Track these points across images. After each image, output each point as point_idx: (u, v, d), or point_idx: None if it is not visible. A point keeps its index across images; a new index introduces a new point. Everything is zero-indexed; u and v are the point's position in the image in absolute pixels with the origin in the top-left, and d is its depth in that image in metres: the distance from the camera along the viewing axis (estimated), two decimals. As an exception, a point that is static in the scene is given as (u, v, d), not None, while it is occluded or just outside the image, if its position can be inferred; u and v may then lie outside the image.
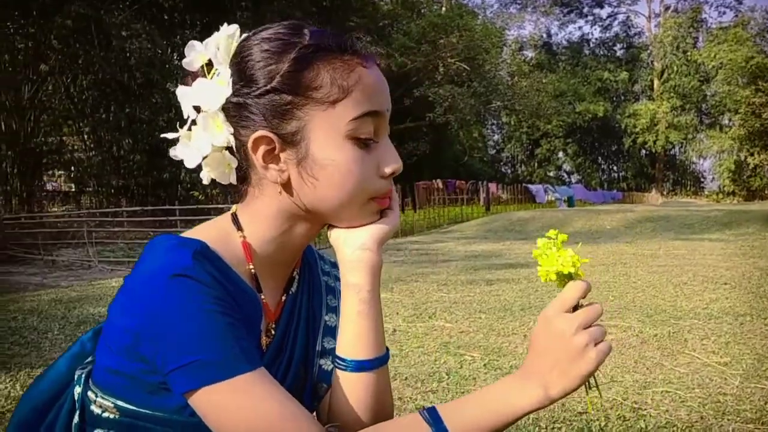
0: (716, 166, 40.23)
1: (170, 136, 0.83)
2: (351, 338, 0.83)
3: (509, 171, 49.52)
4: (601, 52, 48.51)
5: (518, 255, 8.92)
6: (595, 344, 0.70)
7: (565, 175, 49.05)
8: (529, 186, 26.03)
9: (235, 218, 0.85)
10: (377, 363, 0.83)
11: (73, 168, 20.10)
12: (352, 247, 0.83)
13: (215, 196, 17.61)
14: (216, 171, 0.84)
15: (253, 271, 0.83)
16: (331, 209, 0.81)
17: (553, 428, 2.34)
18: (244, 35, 0.82)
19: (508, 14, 46.45)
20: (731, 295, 5.03)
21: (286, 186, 0.80)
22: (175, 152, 0.83)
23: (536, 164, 46.51)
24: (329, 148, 0.78)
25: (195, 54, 0.82)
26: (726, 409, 2.52)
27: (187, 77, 0.83)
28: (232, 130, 0.80)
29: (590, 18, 50.60)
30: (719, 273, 6.22)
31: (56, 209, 20.04)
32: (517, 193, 26.24)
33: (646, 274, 6.33)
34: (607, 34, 49.25)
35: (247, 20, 19.39)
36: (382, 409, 0.84)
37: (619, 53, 48.31)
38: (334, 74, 0.77)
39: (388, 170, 0.81)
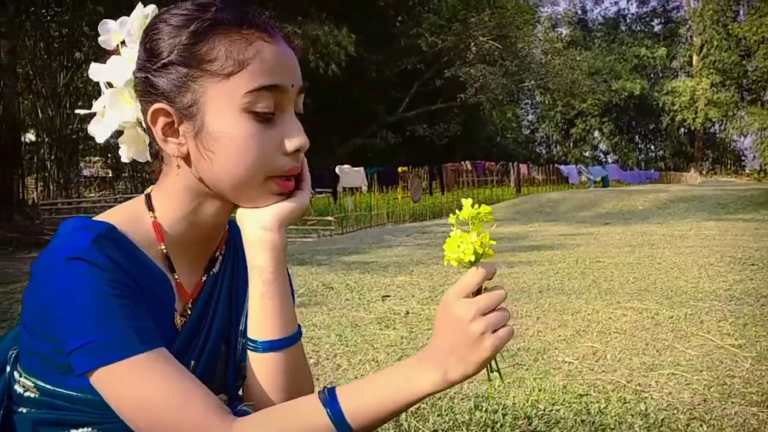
0: (757, 143, 39.20)
1: (82, 112, 0.86)
2: (257, 319, 0.84)
3: (544, 151, 48.94)
4: (638, 28, 47.35)
5: (545, 237, 8.84)
6: (494, 331, 0.71)
7: (601, 155, 48.30)
8: (561, 167, 25.64)
9: (148, 198, 0.86)
10: (285, 343, 0.85)
11: (109, 154, 20.48)
12: (254, 227, 0.84)
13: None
14: (132, 148, 0.88)
15: (164, 251, 0.85)
16: (230, 186, 0.81)
17: (551, 410, 2.34)
18: (156, 12, 0.84)
19: (542, -9, 45.70)
20: (756, 276, 4.92)
21: (187, 161, 0.82)
22: (90, 128, 0.86)
23: (571, 144, 45.86)
24: (224, 120, 0.78)
25: (110, 33, 0.85)
26: (732, 391, 2.48)
27: (106, 56, 0.85)
28: (140, 106, 0.82)
29: (626, -7, 49.36)
30: (748, 254, 6.08)
31: (92, 195, 20.47)
32: (550, 174, 25.92)
33: (672, 255, 6.22)
34: (644, 9, 47.98)
35: (278, 0, 19.46)
36: (299, 388, 0.86)
37: (656, 29, 47.08)
38: (231, 47, 0.78)
39: (290, 146, 0.81)
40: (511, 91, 29.85)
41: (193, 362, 0.87)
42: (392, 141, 27.85)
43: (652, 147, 48.63)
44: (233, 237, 0.96)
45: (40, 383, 0.80)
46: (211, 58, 0.78)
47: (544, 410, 2.34)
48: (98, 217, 0.83)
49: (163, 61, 0.79)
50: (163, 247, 0.85)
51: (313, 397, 0.75)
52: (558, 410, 2.34)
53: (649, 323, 3.60)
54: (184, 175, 0.83)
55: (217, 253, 0.93)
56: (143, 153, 0.86)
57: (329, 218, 12.80)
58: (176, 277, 0.87)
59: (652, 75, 44.21)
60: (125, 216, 0.84)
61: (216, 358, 0.90)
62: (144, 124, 0.83)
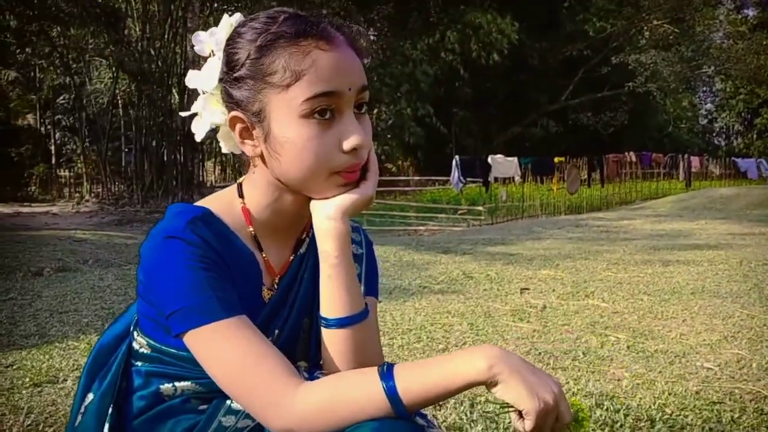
0: None
1: (184, 114, 1.02)
2: (326, 299, 0.95)
3: (723, 143, 45.30)
4: (841, 7, 42.15)
5: (710, 235, 8.26)
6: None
7: (790, 148, 43.78)
8: (737, 160, 23.55)
9: (239, 187, 1.01)
10: (351, 320, 0.94)
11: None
12: (320, 216, 0.94)
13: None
14: (228, 144, 1.02)
15: (253, 233, 0.99)
16: (297, 182, 0.93)
17: (678, 415, 2.26)
18: (239, 22, 0.96)
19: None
20: None
21: (263, 160, 0.94)
22: (192, 127, 1.01)
23: (755, 136, 41.97)
24: (285, 127, 0.89)
25: (202, 43, 0.98)
26: None
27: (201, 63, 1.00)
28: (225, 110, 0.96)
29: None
30: None
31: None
32: (727, 168, 23.94)
33: None
34: None
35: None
36: (367, 362, 0.94)
37: None
38: (289, 60, 0.88)
39: (347, 146, 0.90)
40: (686, 78, 27.81)
41: (276, 331, 1.00)
42: (553, 130, 27.11)
43: None
44: None
45: (151, 341, 0.98)
46: (272, 72, 0.89)
47: (671, 415, 2.27)
48: (198, 203, 0.99)
49: (235, 75, 0.92)
50: (251, 229, 0.99)
51: (374, 370, 0.85)
52: (686, 416, 2.25)
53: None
54: (263, 171, 0.96)
55: (304, 236, 1.05)
56: (237, 147, 1.00)
57: (479, 208, 12.79)
58: (264, 255, 1.00)
59: None
60: (221, 202, 0.99)
61: (298, 329, 1.02)
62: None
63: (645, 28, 26.30)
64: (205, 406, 0.98)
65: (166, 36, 16.69)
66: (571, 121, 27.92)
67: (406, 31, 20.74)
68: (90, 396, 1.04)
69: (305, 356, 1.03)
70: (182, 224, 0.91)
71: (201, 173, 18.08)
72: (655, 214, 12.79)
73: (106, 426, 0.98)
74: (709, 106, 45.77)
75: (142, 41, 16.83)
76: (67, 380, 2.57)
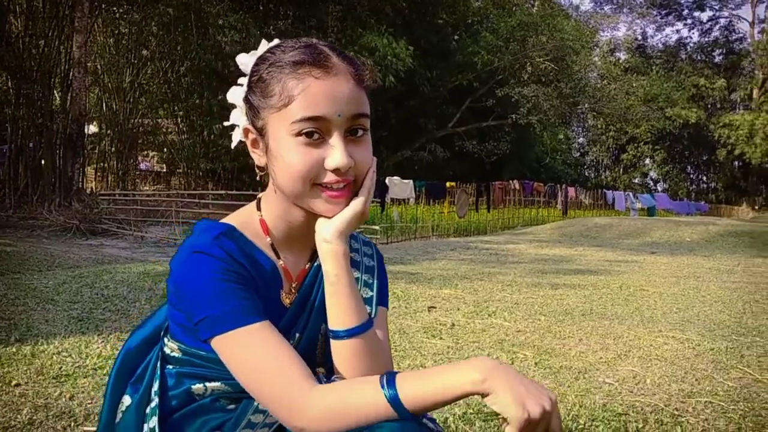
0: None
1: (226, 123, 1.14)
2: (331, 314, 1.04)
3: (592, 175, 48.41)
4: (699, 58, 46.58)
5: (589, 262, 8.88)
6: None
7: (651, 183, 47.54)
8: (607, 192, 25.37)
9: (258, 200, 1.11)
10: (356, 331, 1.02)
11: (165, 149, 21.17)
12: (319, 239, 1.04)
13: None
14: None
15: (270, 242, 1.08)
16: (289, 194, 1.03)
17: (591, 425, 2.47)
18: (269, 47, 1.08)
19: (602, 15, 45.29)
20: (802, 316, 4.92)
21: (269, 171, 1.05)
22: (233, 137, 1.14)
23: (621, 170, 45.36)
24: (279, 143, 1.00)
25: (242, 64, 1.10)
26: (767, 423, 2.58)
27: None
28: None
29: (689, 21, 48.53)
30: (796, 294, 6.06)
31: (147, 188, 21.15)
32: (597, 199, 25.69)
33: (717, 289, 6.24)
34: (706, 39, 47.14)
35: (339, 12, 19.85)
36: (376, 367, 1.03)
37: (717, 59, 46.21)
38: (285, 85, 0.99)
39: (328, 165, 0.99)
40: (563, 113, 29.67)
41: (297, 335, 1.09)
42: (440, 155, 28.02)
43: (704, 178, 47.77)
44: None
45: (182, 345, 1.05)
46: (272, 94, 1.00)
47: (584, 425, 2.48)
48: (223, 220, 1.08)
49: (248, 94, 1.05)
50: (268, 239, 1.08)
51: (376, 378, 0.93)
52: (597, 426, 2.47)
53: (689, 353, 3.69)
54: (273, 186, 1.07)
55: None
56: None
57: (375, 227, 13.03)
58: (281, 263, 1.09)
59: (709, 106, 43.38)
60: (242, 217, 1.09)
61: (317, 333, 1.11)
62: None
63: (528, 64, 27.86)
64: (233, 406, 1.05)
65: (50, 34, 15.82)
66: (457, 147, 28.98)
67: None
68: (127, 398, 1.09)
69: (324, 359, 1.11)
70: (208, 240, 1.00)
71: (81, 180, 17.15)
72: (537, 239, 13.53)
73: (146, 426, 1.03)
74: (581, 140, 48.90)
75: (23, 37, 15.86)
76: (-20, 393, 2.44)
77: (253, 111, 1.04)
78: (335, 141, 0.99)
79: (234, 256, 0.99)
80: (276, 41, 1.08)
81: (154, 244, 11.52)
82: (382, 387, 0.91)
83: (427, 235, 14.80)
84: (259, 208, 1.10)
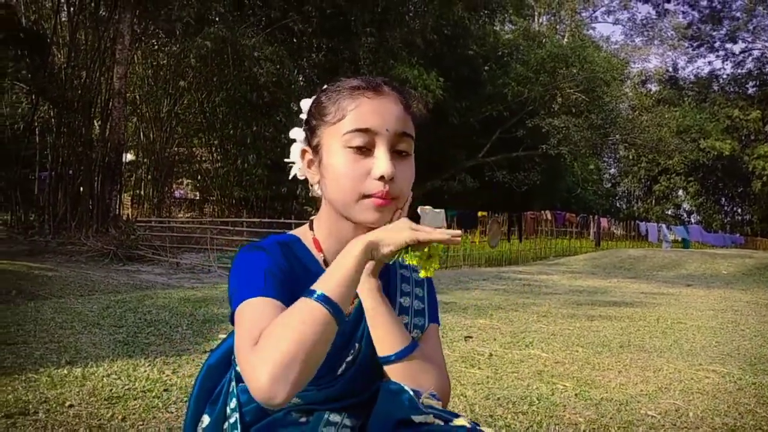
0: None
1: (286, 160, 1.26)
2: (377, 344, 1.14)
3: (624, 206, 47.90)
4: (732, 89, 45.94)
5: (624, 294, 8.79)
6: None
7: (684, 215, 46.86)
8: (640, 223, 25.06)
9: (311, 223, 1.20)
10: (399, 356, 1.12)
11: (199, 177, 21.52)
12: None
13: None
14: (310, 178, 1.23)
15: (323, 257, 1.16)
16: (339, 203, 1.11)
17: (635, 457, 2.47)
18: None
19: (633, 47, 45.29)
20: None
21: (322, 187, 1.14)
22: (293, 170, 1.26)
23: (653, 201, 44.79)
24: (332, 155, 1.09)
25: (303, 106, 1.23)
26: (816, 460, 2.55)
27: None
28: None
29: (721, 53, 48.14)
30: (839, 329, 5.93)
31: (182, 215, 21.47)
32: (629, 230, 25.41)
33: (756, 323, 6.14)
34: (740, 71, 46.58)
35: (371, 45, 20.16)
36: (431, 382, 1.12)
37: (750, 91, 45.58)
38: (339, 104, 1.09)
39: (374, 173, 1.07)
40: (594, 144, 29.51)
41: (357, 345, 1.16)
42: (470, 185, 28.04)
43: (739, 210, 46.90)
44: None
45: None
46: (327, 112, 1.11)
47: (628, 456, 2.47)
48: (290, 232, 1.20)
49: (306, 118, 1.18)
50: (321, 255, 1.16)
51: (301, 300, 0.95)
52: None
53: (731, 387, 3.65)
54: (325, 206, 1.16)
55: None
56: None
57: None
58: None
59: (743, 137, 42.74)
60: (302, 233, 1.19)
61: (373, 345, 1.17)
62: None
63: (559, 95, 27.87)
64: (304, 419, 1.11)
65: (92, 65, 16.32)
66: (487, 177, 28.99)
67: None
68: (206, 418, 1.15)
69: (381, 368, 1.19)
70: (270, 241, 1.12)
71: (118, 206, 17.50)
72: (570, 270, 13.43)
73: None
74: (613, 171, 48.50)
75: (66, 69, 16.38)
76: (38, 413, 2.53)
77: (310, 131, 1.14)
78: (381, 152, 1.07)
79: (289, 258, 1.10)
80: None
81: (189, 270, 11.68)
82: (307, 296, 0.94)
83: (458, 264, 14.79)
84: (311, 228, 1.19)
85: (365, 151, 1.07)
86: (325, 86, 1.16)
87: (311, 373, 0.90)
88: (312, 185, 1.17)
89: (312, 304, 0.92)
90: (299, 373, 0.87)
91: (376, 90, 1.09)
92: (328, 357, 1.01)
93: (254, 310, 0.97)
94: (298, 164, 1.22)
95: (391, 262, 1.21)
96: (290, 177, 1.25)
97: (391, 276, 1.25)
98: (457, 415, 1.05)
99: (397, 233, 1.00)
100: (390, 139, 1.08)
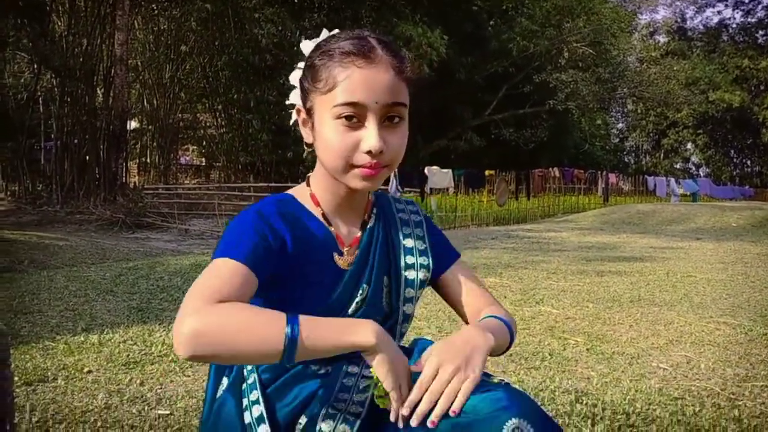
0: None
1: (287, 102, 1.26)
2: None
3: (632, 161, 47.64)
4: (741, 39, 45.15)
5: (633, 249, 8.79)
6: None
7: (693, 168, 46.59)
8: (648, 178, 24.89)
9: (307, 179, 1.23)
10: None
11: (205, 143, 21.47)
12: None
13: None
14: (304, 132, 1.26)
15: (322, 212, 1.20)
16: (329, 169, 1.14)
17: (648, 409, 2.49)
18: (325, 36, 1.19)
19: (640, -3, 44.33)
20: None
21: (315, 148, 1.16)
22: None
23: (662, 155, 44.52)
24: (323, 123, 1.12)
25: (304, 49, 1.23)
26: (827, 408, 2.56)
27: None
28: None
29: (730, 1, 47.00)
30: None
31: (188, 182, 21.50)
32: (638, 185, 25.26)
33: (766, 275, 6.14)
34: (750, 19, 45.66)
35: (374, 3, 19.84)
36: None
37: (761, 40, 44.75)
38: (331, 72, 1.10)
39: (362, 147, 1.09)
40: (602, 99, 29.12)
41: (365, 286, 1.19)
42: (477, 143, 27.83)
43: (749, 162, 46.56)
44: (381, 204, 1.30)
45: None
46: (319, 79, 1.11)
47: (641, 409, 2.50)
48: (287, 192, 1.23)
49: (301, 78, 1.18)
50: (319, 209, 1.20)
51: (282, 314, 0.96)
52: (654, 410, 2.49)
53: (742, 338, 3.66)
54: (319, 163, 1.18)
55: (366, 216, 1.26)
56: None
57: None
58: (333, 230, 1.20)
59: (753, 87, 42.14)
60: (299, 190, 1.23)
61: (380, 286, 1.22)
62: None
63: (565, 49, 27.42)
64: (323, 370, 1.12)
65: (92, 32, 16.16)
66: (493, 135, 28.76)
67: (338, 41, 20.68)
68: (225, 381, 1.18)
69: (390, 307, 1.23)
70: (268, 200, 1.16)
71: (124, 174, 17.51)
72: (578, 227, 13.42)
73: (245, 401, 1.12)
74: (621, 125, 48.11)
75: (67, 37, 16.23)
76: (57, 379, 2.57)
77: (304, 93, 1.16)
78: (370, 125, 1.09)
79: (286, 216, 1.13)
80: (336, 31, 1.19)
81: (198, 236, 11.75)
82: (287, 323, 0.94)
83: (466, 224, 14.79)
84: (308, 185, 1.23)
85: (356, 122, 1.09)
86: (321, 41, 1.16)
87: (216, 361, 1.04)
88: (306, 143, 1.20)
89: (281, 327, 0.93)
90: (212, 355, 0.92)
91: (368, 57, 1.08)
92: (339, 299, 1.16)
93: (220, 269, 1.00)
94: (295, 114, 1.23)
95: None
96: (291, 123, 1.26)
97: (390, 219, 1.28)
98: (489, 375, 1.07)
99: (395, 372, 1.01)
100: (380, 110, 1.09)
